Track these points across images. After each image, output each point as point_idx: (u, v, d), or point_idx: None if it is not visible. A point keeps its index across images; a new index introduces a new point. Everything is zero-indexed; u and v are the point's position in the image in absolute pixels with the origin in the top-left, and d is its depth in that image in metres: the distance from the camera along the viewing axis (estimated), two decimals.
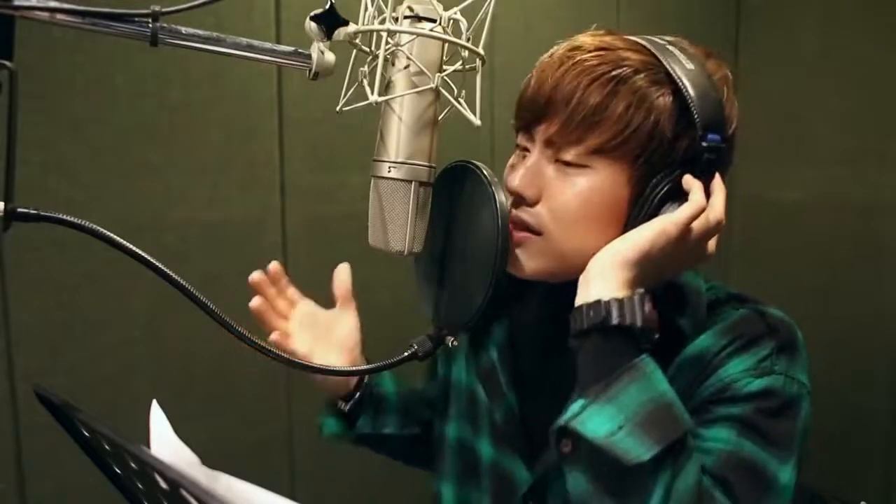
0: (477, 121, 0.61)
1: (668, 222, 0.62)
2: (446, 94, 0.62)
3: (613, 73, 0.64)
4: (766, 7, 2.17)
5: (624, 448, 0.55)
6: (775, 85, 2.14)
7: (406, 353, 0.71)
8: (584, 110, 0.64)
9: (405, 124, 0.61)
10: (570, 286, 0.66)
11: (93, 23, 0.50)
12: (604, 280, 0.61)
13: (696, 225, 0.63)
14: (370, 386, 0.86)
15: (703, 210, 0.63)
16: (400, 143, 0.61)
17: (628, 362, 0.58)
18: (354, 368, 0.79)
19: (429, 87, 0.60)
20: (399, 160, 0.61)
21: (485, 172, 0.67)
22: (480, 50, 0.61)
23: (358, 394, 0.85)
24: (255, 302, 0.81)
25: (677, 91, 0.64)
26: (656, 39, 0.68)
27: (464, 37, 0.61)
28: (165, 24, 0.52)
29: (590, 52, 0.66)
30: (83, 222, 0.50)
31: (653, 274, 0.63)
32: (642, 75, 0.65)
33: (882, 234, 1.98)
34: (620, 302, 0.59)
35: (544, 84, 0.67)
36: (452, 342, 0.72)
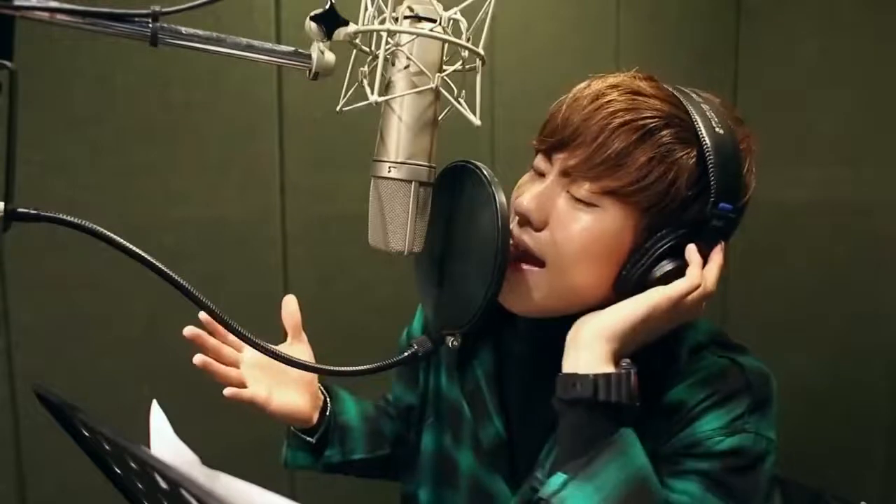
0: (477, 121, 0.61)
1: (662, 296, 0.64)
2: (446, 94, 0.62)
3: (643, 122, 0.65)
4: (767, 7, 2.17)
5: None
6: (775, 85, 2.14)
7: (406, 353, 0.71)
8: (608, 152, 0.64)
9: (405, 124, 0.61)
10: (556, 320, 0.68)
11: (93, 23, 0.50)
12: (592, 351, 0.63)
13: (689, 297, 0.65)
14: (334, 415, 0.85)
15: (698, 287, 0.65)
16: (400, 143, 0.61)
17: (609, 437, 0.60)
18: (355, 368, 0.79)
19: (429, 87, 0.60)
20: (399, 160, 0.61)
21: (485, 172, 0.66)
22: (480, 50, 0.61)
23: (323, 425, 0.84)
24: (199, 358, 0.75)
25: (701, 154, 0.65)
26: (692, 95, 0.68)
27: (464, 37, 0.61)
28: (165, 24, 0.52)
29: (625, 93, 0.66)
30: (83, 222, 0.50)
31: (640, 340, 0.65)
32: (671, 130, 0.65)
33: (882, 234, 1.98)
34: (608, 378, 0.61)
35: (574, 115, 0.67)
36: (453, 342, 0.72)
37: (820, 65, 2.07)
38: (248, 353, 0.81)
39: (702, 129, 0.65)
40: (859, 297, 2.02)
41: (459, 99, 0.62)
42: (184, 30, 0.53)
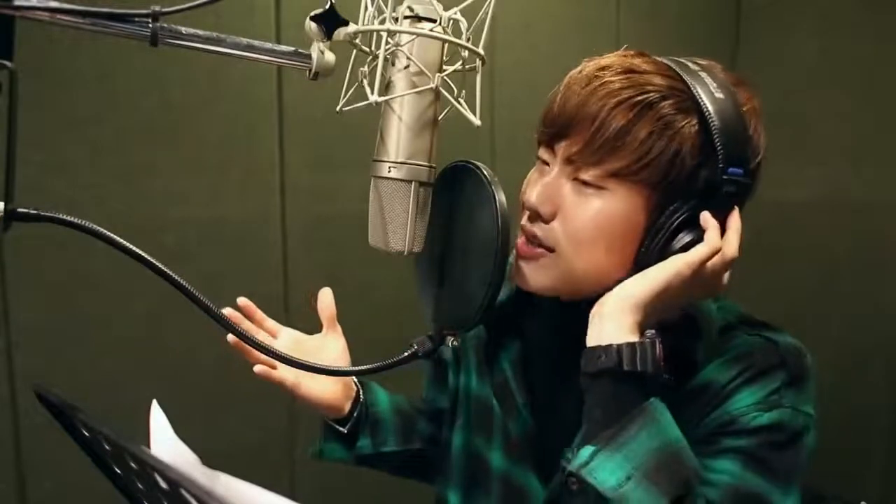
0: (477, 121, 0.61)
1: (682, 263, 0.63)
2: (446, 94, 0.62)
3: (639, 97, 0.64)
4: (766, 7, 2.17)
5: (633, 501, 0.56)
6: (775, 85, 2.14)
7: (406, 353, 0.71)
8: (607, 133, 0.64)
9: (405, 124, 0.61)
10: (579, 305, 0.66)
11: (93, 23, 0.50)
12: (616, 322, 0.62)
13: (709, 263, 0.64)
14: (365, 406, 0.86)
15: (718, 251, 0.63)
16: (400, 144, 0.61)
17: (637, 407, 0.59)
18: (355, 368, 0.79)
19: (429, 87, 0.60)
20: (399, 160, 0.61)
21: (485, 172, 0.66)
22: (480, 50, 0.61)
23: (355, 415, 0.85)
24: (233, 337, 0.76)
25: (703, 120, 0.64)
26: (689, 64, 0.67)
27: (464, 37, 0.61)
28: (165, 24, 0.52)
29: (619, 73, 0.66)
30: (83, 222, 0.50)
31: (664, 310, 0.64)
32: (669, 102, 0.64)
33: (882, 233, 1.98)
34: (632, 347, 0.60)
35: (570, 101, 0.67)
36: (453, 342, 0.72)
37: (820, 65, 2.07)
38: (282, 339, 0.84)
39: (701, 95, 0.64)
40: (859, 297, 2.02)
41: (459, 99, 0.62)
42: (184, 30, 0.53)
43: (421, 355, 0.71)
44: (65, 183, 1.33)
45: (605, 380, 0.61)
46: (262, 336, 0.82)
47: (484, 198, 0.65)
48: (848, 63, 2.02)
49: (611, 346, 0.60)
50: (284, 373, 0.79)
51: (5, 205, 0.48)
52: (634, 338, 0.61)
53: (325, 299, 0.85)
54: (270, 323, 0.84)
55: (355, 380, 0.87)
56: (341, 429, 0.84)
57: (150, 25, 0.51)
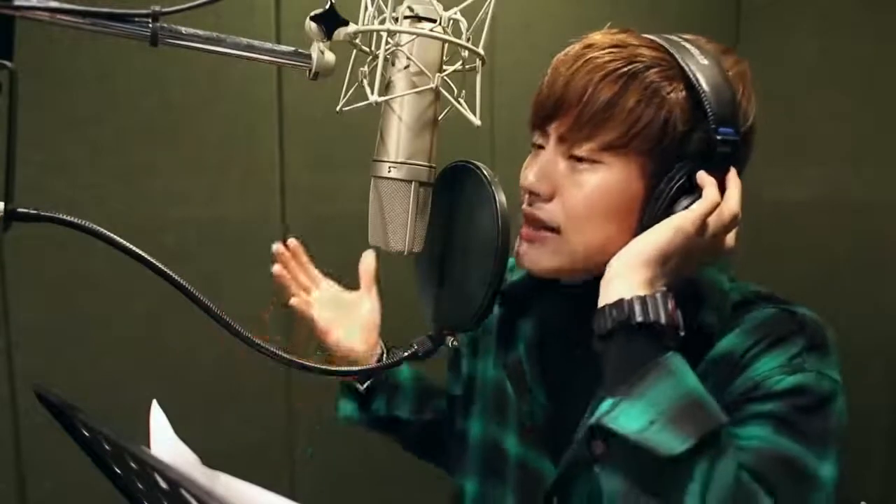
0: (477, 121, 0.61)
1: (683, 219, 0.62)
2: (446, 94, 0.62)
3: (625, 68, 0.65)
4: (766, 7, 2.17)
5: (658, 441, 0.54)
6: (775, 85, 2.14)
7: (406, 353, 0.71)
8: (595, 106, 0.64)
9: (405, 124, 0.61)
10: (592, 283, 0.66)
11: (93, 23, 0.50)
12: (624, 280, 0.61)
13: (711, 220, 0.63)
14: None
15: (717, 206, 0.63)
16: (400, 143, 0.61)
17: (654, 360, 0.58)
18: (353, 369, 0.79)
19: (429, 87, 0.60)
20: (399, 160, 0.61)
21: (485, 172, 0.66)
22: (480, 50, 0.61)
23: (374, 377, 0.89)
24: (277, 267, 0.86)
25: (690, 85, 0.65)
26: (672, 37, 0.68)
27: (464, 37, 0.61)
28: (165, 24, 0.52)
29: (603, 49, 0.67)
30: (83, 222, 0.50)
31: (671, 271, 0.63)
32: (654, 70, 0.65)
33: (882, 233, 1.97)
34: (643, 300, 0.59)
35: (557, 81, 0.67)
36: (453, 342, 0.72)
37: (820, 64, 2.07)
38: (322, 291, 0.91)
39: (687, 62, 0.65)
40: (859, 297, 2.02)
41: (459, 99, 0.62)
42: (184, 30, 0.53)
43: (421, 355, 0.71)
44: (65, 183, 1.33)
45: (619, 337, 0.59)
46: (301, 277, 0.90)
47: (484, 198, 0.65)
48: (848, 63, 2.02)
49: (621, 300, 0.59)
50: (319, 314, 0.86)
51: (5, 205, 0.48)
52: (643, 292, 0.60)
53: (366, 261, 0.90)
54: (313, 270, 0.91)
55: (381, 345, 0.90)
56: (359, 386, 0.88)
57: (150, 25, 0.51)
